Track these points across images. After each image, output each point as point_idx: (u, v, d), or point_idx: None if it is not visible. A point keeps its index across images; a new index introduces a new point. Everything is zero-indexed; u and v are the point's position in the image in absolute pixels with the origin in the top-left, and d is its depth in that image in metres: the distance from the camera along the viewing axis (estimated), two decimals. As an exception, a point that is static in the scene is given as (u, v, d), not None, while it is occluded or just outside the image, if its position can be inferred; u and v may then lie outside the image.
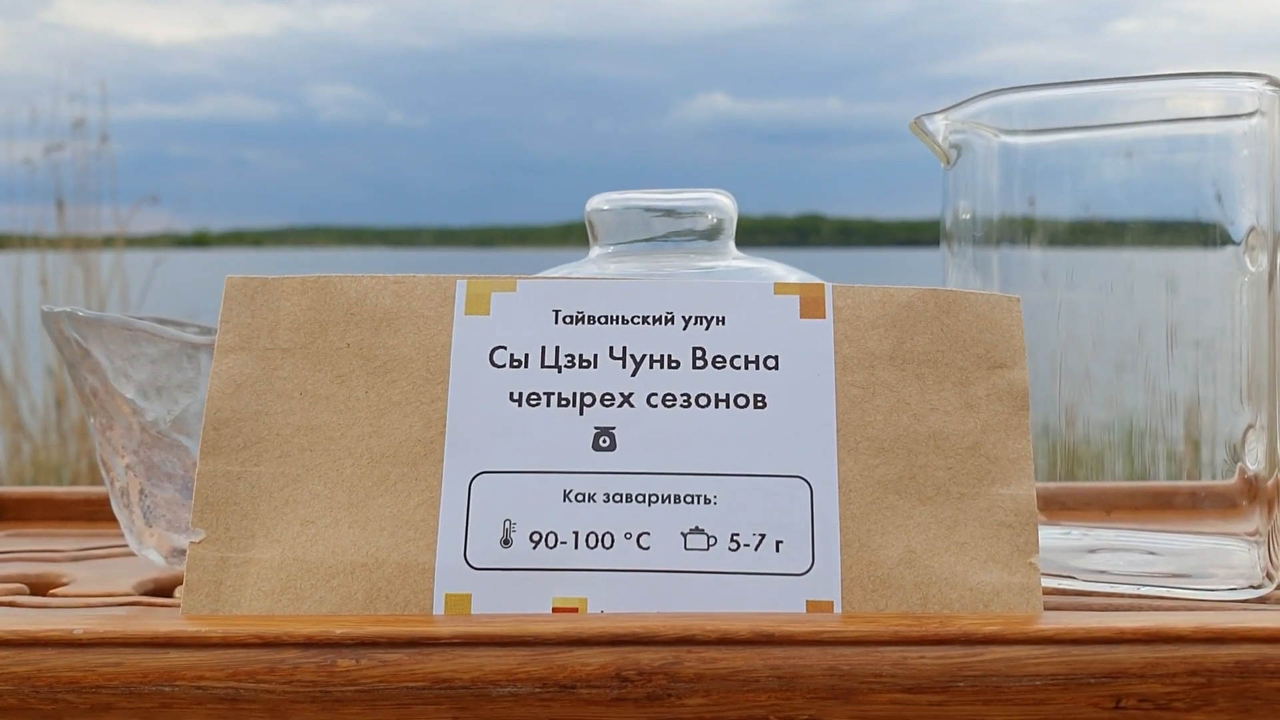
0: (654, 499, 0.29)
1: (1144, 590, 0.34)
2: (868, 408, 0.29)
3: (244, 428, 0.30)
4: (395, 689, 0.26)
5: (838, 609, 0.28)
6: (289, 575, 0.29)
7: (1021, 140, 0.37)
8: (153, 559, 0.37)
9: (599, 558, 0.29)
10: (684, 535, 0.29)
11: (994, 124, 0.37)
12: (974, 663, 0.26)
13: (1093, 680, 0.26)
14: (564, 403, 0.30)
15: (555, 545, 0.29)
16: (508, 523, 0.29)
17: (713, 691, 0.26)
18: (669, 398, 0.30)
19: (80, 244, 2.83)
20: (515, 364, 0.30)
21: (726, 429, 0.29)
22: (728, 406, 0.29)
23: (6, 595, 0.36)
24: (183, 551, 0.36)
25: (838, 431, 0.29)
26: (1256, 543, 0.36)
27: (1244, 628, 0.26)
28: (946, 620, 0.27)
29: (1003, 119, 0.37)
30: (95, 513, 0.50)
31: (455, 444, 0.29)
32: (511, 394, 0.30)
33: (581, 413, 0.29)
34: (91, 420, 0.37)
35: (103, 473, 0.38)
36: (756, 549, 0.29)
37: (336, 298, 0.30)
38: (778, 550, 0.29)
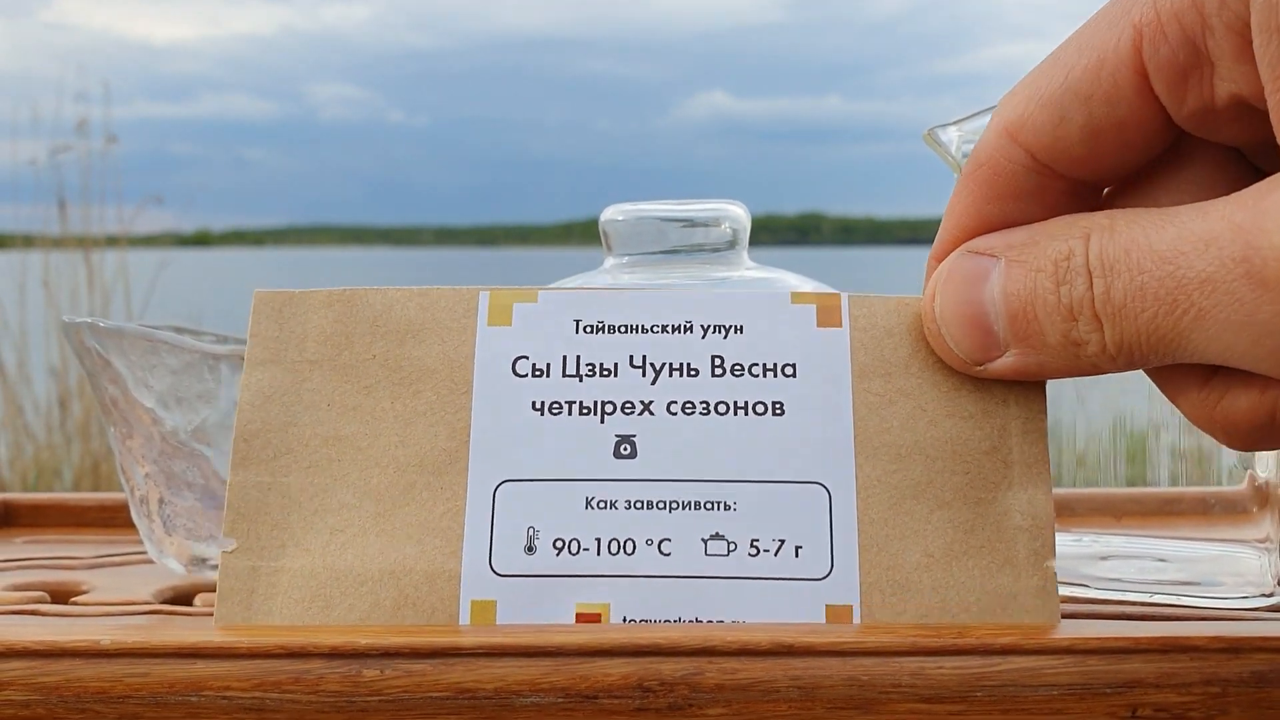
0: (674, 506, 0.29)
1: (1155, 598, 0.35)
2: (885, 414, 0.30)
3: (274, 439, 0.30)
4: (419, 699, 0.27)
5: (857, 613, 0.29)
6: (319, 583, 0.29)
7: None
8: (172, 567, 0.37)
9: (621, 564, 0.29)
10: (704, 541, 0.29)
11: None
12: (991, 673, 0.26)
13: (1109, 690, 0.26)
14: (585, 411, 0.30)
15: (578, 552, 0.29)
16: (531, 530, 0.29)
17: (734, 702, 0.26)
18: (688, 405, 0.30)
19: (83, 244, 2.84)
20: (537, 373, 0.30)
21: (745, 436, 0.30)
22: (746, 414, 0.30)
23: (29, 604, 0.37)
24: (202, 560, 0.37)
25: (855, 438, 0.30)
26: (1267, 550, 0.36)
27: (1259, 637, 0.27)
28: (964, 630, 0.27)
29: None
30: (109, 519, 0.50)
31: (479, 453, 0.30)
32: (533, 403, 0.30)
33: (602, 421, 0.30)
34: (111, 429, 0.37)
35: (122, 481, 0.38)
36: (776, 554, 0.29)
37: (362, 310, 0.31)
38: (797, 555, 0.29)
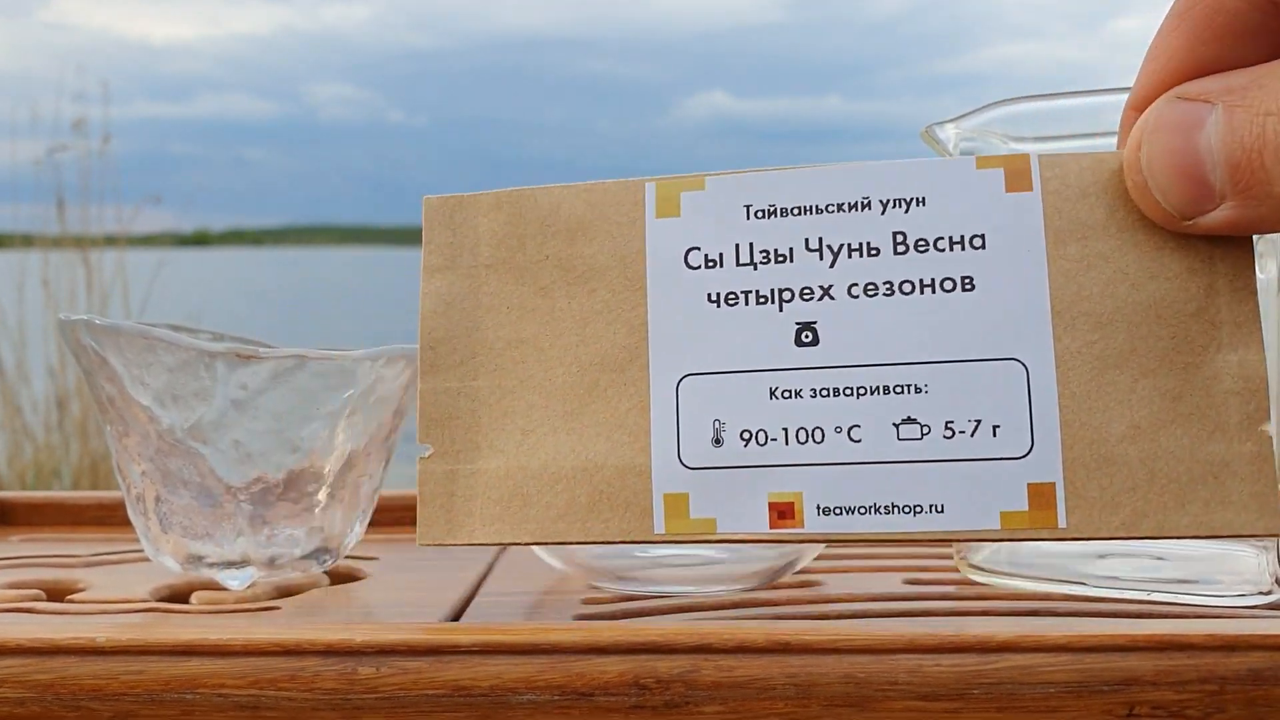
0: (862, 391, 0.29)
1: (1153, 596, 0.35)
2: (1083, 281, 0.28)
3: (458, 345, 0.31)
4: (415, 696, 0.27)
5: (1060, 491, 0.27)
6: (515, 483, 0.30)
7: (1030, 147, 0.37)
8: (168, 565, 0.37)
9: (811, 453, 0.28)
10: (896, 426, 0.28)
11: (1004, 131, 0.37)
12: (988, 670, 0.26)
13: (1106, 688, 0.26)
14: (762, 300, 0.29)
15: (766, 443, 0.29)
16: (717, 423, 0.29)
17: (730, 699, 0.26)
18: (870, 287, 0.29)
19: (82, 243, 2.84)
20: (710, 264, 0.30)
21: (933, 315, 0.29)
22: (933, 291, 0.29)
23: (24, 601, 0.37)
24: (199, 557, 0.37)
25: (1052, 309, 0.28)
26: (1265, 549, 0.36)
27: (1256, 635, 0.27)
28: (960, 628, 0.27)
29: (1012, 127, 0.37)
30: (106, 517, 0.50)
31: (659, 348, 0.30)
32: (709, 295, 0.30)
33: (781, 309, 0.29)
34: (108, 427, 0.37)
35: (118, 479, 0.38)
36: (973, 435, 0.28)
37: (531, 210, 0.31)
38: (995, 435, 0.28)
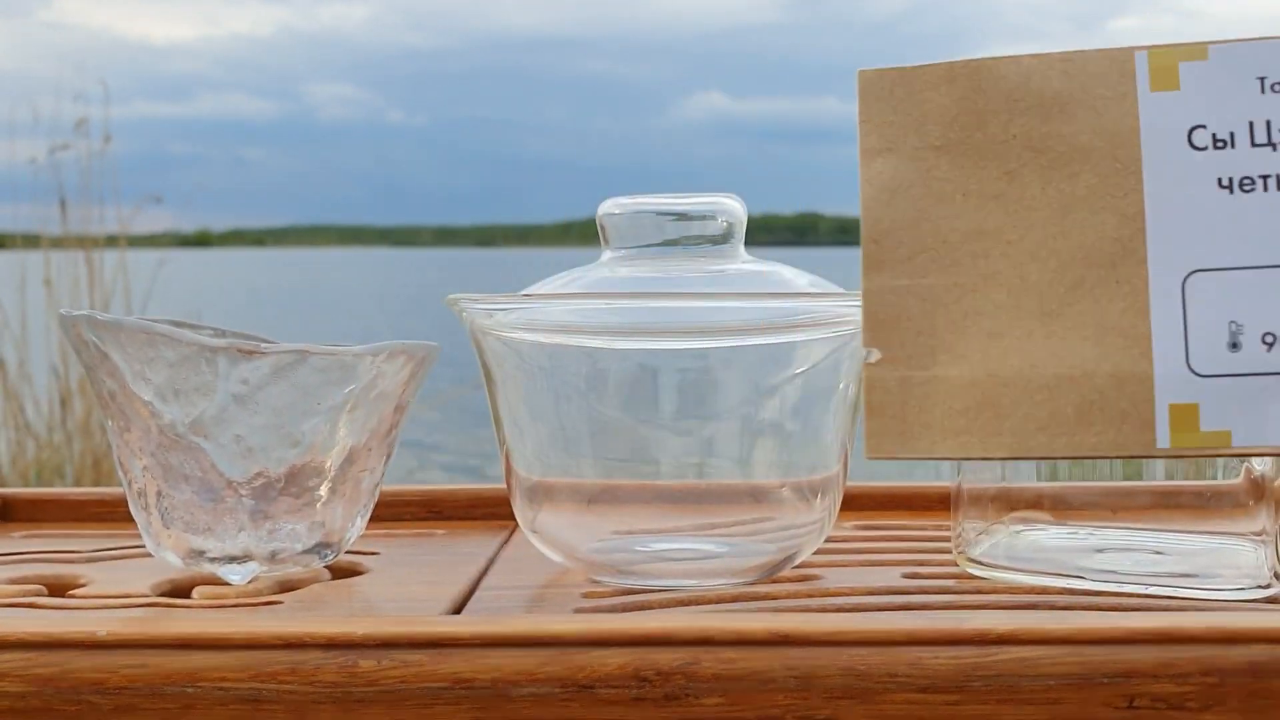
0: None
1: (1152, 590, 0.35)
2: None
3: (905, 237, 0.28)
4: (416, 689, 0.27)
5: None
6: (983, 392, 0.27)
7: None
8: (170, 560, 0.37)
9: None
10: None
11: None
12: (988, 663, 0.26)
13: (1106, 680, 0.26)
14: None
15: None
16: (1234, 325, 0.27)
17: (730, 692, 0.26)
18: None
19: (84, 243, 2.84)
20: (1219, 144, 0.27)
21: None
22: None
23: (26, 596, 0.37)
24: (200, 552, 0.37)
25: None
26: (1263, 542, 0.36)
27: (1256, 628, 0.27)
28: (961, 620, 0.27)
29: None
30: (107, 513, 0.50)
31: (1160, 241, 0.27)
32: (1220, 180, 0.27)
33: None
34: (109, 422, 0.37)
35: (120, 474, 0.38)
36: None
37: (994, 84, 0.28)
38: None
